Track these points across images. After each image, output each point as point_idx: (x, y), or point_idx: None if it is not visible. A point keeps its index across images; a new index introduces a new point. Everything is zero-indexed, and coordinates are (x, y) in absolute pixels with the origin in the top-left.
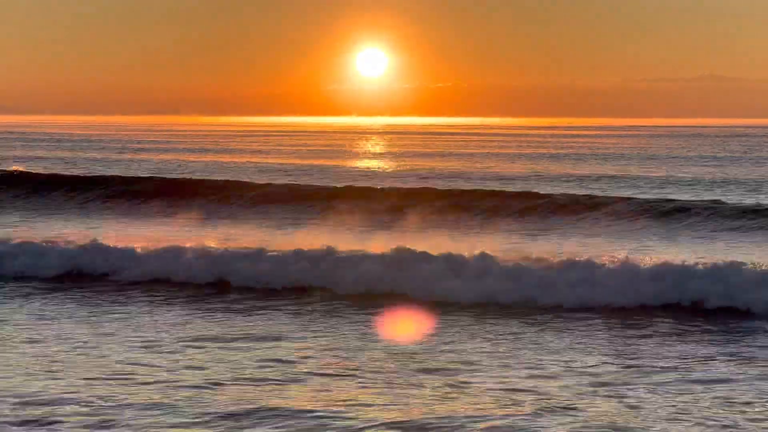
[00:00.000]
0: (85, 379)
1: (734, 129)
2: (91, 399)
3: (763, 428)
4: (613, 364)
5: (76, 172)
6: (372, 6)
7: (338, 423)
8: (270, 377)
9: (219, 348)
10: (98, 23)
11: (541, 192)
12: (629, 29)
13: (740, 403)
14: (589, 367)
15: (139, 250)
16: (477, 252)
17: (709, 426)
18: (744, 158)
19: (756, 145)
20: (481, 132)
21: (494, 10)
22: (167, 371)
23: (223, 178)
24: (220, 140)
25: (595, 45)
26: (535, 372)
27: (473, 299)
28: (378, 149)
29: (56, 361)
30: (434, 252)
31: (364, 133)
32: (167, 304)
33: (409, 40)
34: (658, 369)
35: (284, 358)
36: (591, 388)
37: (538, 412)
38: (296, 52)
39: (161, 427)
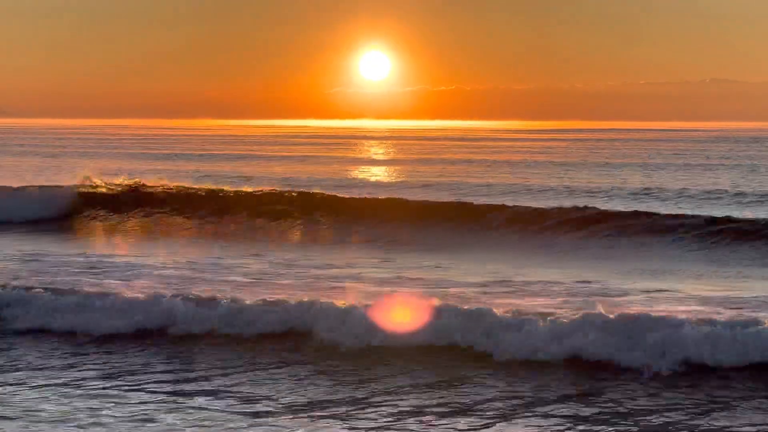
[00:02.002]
0: None
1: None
2: None
3: None
4: None
5: None
6: (375, 10)
7: None
8: None
9: None
10: (101, 26)
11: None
12: (631, 32)
13: None
14: None
15: None
16: None
17: None
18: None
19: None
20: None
21: (496, 14)
22: None
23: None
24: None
25: (597, 48)
26: None
27: None
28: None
29: None
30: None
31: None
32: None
33: (412, 43)
34: None
35: None
36: None
37: None
38: (299, 56)
39: None
